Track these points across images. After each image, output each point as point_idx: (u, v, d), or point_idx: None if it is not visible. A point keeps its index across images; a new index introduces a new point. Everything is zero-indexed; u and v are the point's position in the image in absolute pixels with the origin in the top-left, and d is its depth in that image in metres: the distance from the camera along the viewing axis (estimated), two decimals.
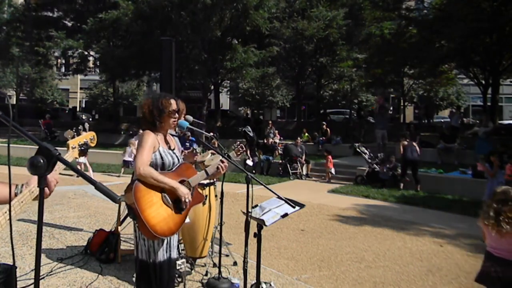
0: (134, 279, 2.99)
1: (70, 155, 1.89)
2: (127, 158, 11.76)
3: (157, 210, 2.48)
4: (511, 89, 26.32)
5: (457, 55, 15.56)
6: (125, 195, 2.58)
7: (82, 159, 11.49)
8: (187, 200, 2.57)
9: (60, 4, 21.48)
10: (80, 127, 15.46)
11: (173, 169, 2.69)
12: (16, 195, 1.45)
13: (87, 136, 2.04)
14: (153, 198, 2.49)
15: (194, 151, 3.38)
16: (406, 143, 10.66)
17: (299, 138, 14.03)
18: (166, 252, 2.65)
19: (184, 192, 2.56)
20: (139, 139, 2.68)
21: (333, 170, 12.11)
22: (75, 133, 13.22)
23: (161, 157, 2.65)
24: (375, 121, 16.31)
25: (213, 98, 23.64)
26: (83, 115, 30.77)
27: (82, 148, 1.97)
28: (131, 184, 2.54)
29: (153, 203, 2.48)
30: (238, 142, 3.20)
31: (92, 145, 2.07)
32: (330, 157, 12.25)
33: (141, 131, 2.83)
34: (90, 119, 30.24)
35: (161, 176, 2.53)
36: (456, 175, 10.77)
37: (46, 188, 1.39)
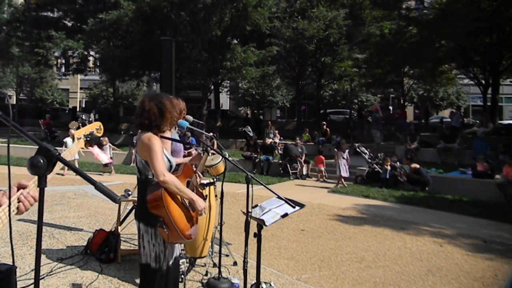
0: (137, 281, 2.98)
1: (76, 146, 1.85)
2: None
3: (182, 215, 2.52)
4: (511, 89, 26.33)
5: (457, 55, 15.58)
6: (150, 205, 2.46)
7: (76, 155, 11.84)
8: (203, 214, 2.62)
9: (60, 4, 21.49)
10: (85, 117, 15.57)
11: (179, 170, 2.70)
12: None
13: (93, 126, 2.00)
14: (177, 203, 2.52)
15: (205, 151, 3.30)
16: (418, 166, 10.42)
17: (298, 139, 14.05)
18: (173, 254, 2.68)
19: (202, 205, 2.58)
20: (146, 143, 2.51)
21: (323, 169, 12.27)
22: (80, 124, 13.32)
23: (168, 160, 2.64)
24: (372, 122, 16.45)
25: (213, 98, 23.64)
26: (83, 115, 30.74)
27: (88, 138, 1.94)
28: (154, 192, 2.45)
29: (179, 208, 2.51)
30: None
31: (99, 134, 2.03)
32: (321, 157, 12.41)
33: (143, 133, 2.59)
34: (90, 119, 30.22)
35: (182, 185, 2.53)
36: (456, 175, 10.77)
37: (21, 204, 1.33)
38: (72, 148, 1.76)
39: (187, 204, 2.59)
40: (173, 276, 2.71)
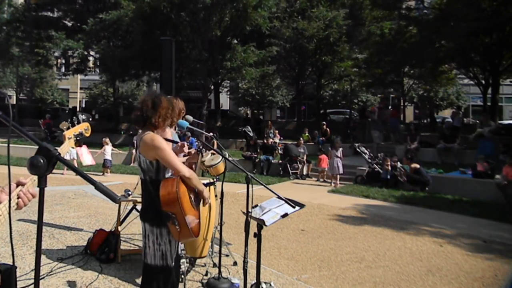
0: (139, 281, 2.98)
1: (66, 146, 1.91)
2: (108, 157, 12.36)
3: (192, 212, 2.56)
4: (511, 89, 26.32)
5: (457, 55, 15.57)
6: (163, 202, 2.45)
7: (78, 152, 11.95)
8: (208, 202, 2.73)
9: (60, 4, 21.50)
10: (74, 118, 15.92)
11: None
12: None
13: (82, 127, 2.10)
14: (188, 201, 2.56)
15: (200, 152, 3.33)
16: (418, 166, 10.45)
17: (301, 139, 14.04)
18: (175, 251, 2.70)
19: (207, 195, 2.68)
20: (151, 144, 2.50)
21: (326, 169, 12.24)
22: (70, 125, 13.33)
23: None
24: (371, 122, 16.49)
25: (213, 98, 23.62)
26: (83, 115, 30.73)
27: (78, 138, 2.03)
28: (167, 188, 2.46)
29: (189, 205, 2.55)
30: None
31: (87, 135, 2.14)
32: (325, 156, 12.39)
33: (144, 134, 2.59)
34: (90, 119, 30.22)
35: (197, 178, 2.65)
36: (456, 175, 10.77)
37: (20, 201, 1.34)
38: (63, 147, 1.81)
39: (193, 201, 2.62)
40: (175, 273, 2.75)
